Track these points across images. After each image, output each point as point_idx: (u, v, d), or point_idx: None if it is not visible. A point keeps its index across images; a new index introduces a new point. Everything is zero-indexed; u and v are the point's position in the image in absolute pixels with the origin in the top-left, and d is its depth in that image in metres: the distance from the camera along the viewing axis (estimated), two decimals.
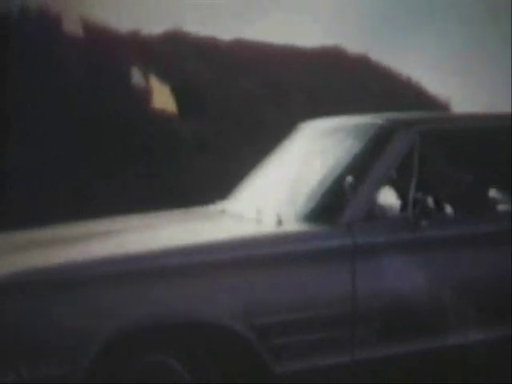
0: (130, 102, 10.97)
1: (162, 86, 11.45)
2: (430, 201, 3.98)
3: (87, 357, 3.38)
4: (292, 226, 3.96)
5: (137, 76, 11.31)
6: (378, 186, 4.02)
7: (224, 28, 14.02)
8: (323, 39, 15.07)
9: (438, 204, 4.07)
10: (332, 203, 4.00)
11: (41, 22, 10.76)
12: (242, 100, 12.31)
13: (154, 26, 12.75)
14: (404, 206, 4.04)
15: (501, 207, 4.31)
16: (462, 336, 3.95)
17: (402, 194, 4.13)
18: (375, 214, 3.95)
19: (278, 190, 4.44)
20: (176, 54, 12.50)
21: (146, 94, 11.36)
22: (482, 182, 4.43)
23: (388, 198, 4.19)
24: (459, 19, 16.43)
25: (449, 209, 4.16)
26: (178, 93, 11.47)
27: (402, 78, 15.76)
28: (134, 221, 4.65)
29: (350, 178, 3.91)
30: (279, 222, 3.96)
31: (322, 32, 15.67)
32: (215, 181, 7.04)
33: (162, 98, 11.37)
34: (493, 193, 4.40)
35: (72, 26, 11.13)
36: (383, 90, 14.41)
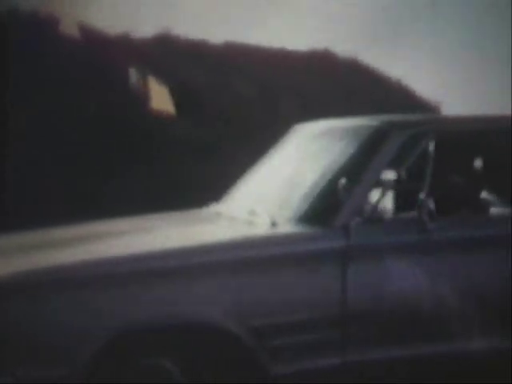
0: (124, 104, 10.98)
1: (158, 87, 11.46)
2: (427, 204, 3.97)
3: (83, 359, 3.38)
4: (286, 227, 3.96)
5: (132, 78, 11.32)
6: (372, 188, 4.02)
7: (215, 31, 14.04)
8: (313, 42, 15.11)
9: (435, 207, 4.05)
10: (326, 205, 4.00)
11: (34, 23, 10.77)
12: (234, 103, 12.32)
13: (145, 28, 12.77)
14: (399, 209, 4.04)
15: (495, 210, 4.31)
16: (454, 342, 3.94)
17: (397, 197, 4.13)
18: (370, 215, 3.95)
19: (272, 192, 4.45)
20: (168, 56, 12.50)
21: (139, 96, 11.37)
22: (477, 185, 4.43)
23: (383, 199, 4.19)
24: (450, 21, 16.49)
25: (446, 212, 4.15)
26: (171, 95, 11.48)
27: (392, 80, 15.80)
28: (129, 223, 4.65)
29: (344, 180, 3.91)
30: (274, 224, 3.96)
31: (312, 35, 15.70)
32: (209, 183, 7.03)
33: (158, 100, 11.38)
34: (487, 195, 4.40)
35: (65, 28, 11.14)
36: (373, 92, 14.44)
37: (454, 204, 4.22)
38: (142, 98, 11.26)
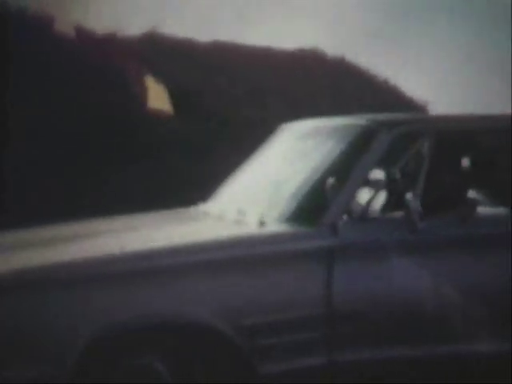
0: (124, 104, 11.00)
1: (155, 86, 11.47)
2: (414, 203, 3.96)
3: (72, 359, 3.39)
4: (275, 226, 3.96)
5: (130, 77, 11.34)
6: (360, 187, 4.03)
7: (203, 30, 14.11)
8: (302, 41, 15.16)
9: (425, 206, 4.05)
10: (314, 204, 4.00)
11: (27, 21, 10.79)
12: (222, 102, 12.32)
13: (134, 27, 12.81)
14: (388, 208, 4.04)
15: (486, 210, 4.30)
16: (448, 342, 3.94)
17: (387, 196, 4.13)
18: (358, 214, 3.95)
19: (260, 191, 4.45)
20: (156, 55, 12.50)
21: (138, 96, 11.39)
22: (466, 184, 4.42)
23: (372, 199, 4.19)
24: (435, 21, 16.52)
25: (435, 211, 4.14)
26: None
27: (379, 79, 15.80)
28: (117, 222, 4.66)
29: (332, 179, 3.91)
30: (262, 223, 3.97)
31: (300, 34, 15.76)
32: (198, 182, 7.04)
33: (156, 99, 11.39)
34: (478, 194, 4.40)
35: (58, 26, 11.16)
36: (362, 91, 14.45)
37: (444, 203, 4.21)
38: (141, 97, 11.27)
